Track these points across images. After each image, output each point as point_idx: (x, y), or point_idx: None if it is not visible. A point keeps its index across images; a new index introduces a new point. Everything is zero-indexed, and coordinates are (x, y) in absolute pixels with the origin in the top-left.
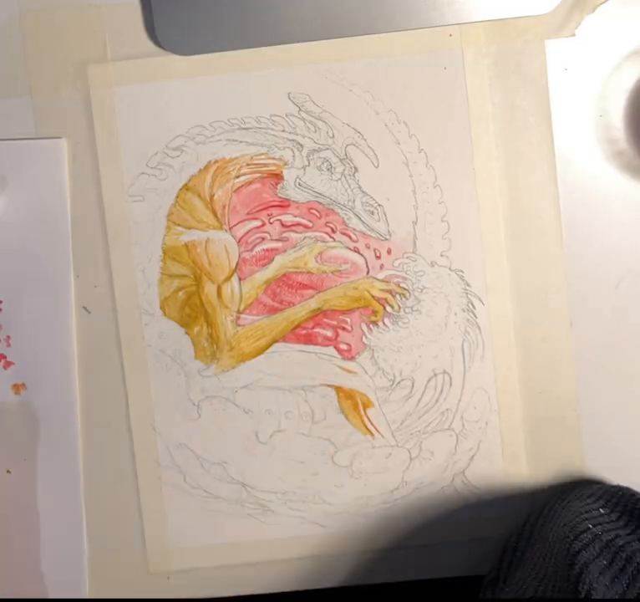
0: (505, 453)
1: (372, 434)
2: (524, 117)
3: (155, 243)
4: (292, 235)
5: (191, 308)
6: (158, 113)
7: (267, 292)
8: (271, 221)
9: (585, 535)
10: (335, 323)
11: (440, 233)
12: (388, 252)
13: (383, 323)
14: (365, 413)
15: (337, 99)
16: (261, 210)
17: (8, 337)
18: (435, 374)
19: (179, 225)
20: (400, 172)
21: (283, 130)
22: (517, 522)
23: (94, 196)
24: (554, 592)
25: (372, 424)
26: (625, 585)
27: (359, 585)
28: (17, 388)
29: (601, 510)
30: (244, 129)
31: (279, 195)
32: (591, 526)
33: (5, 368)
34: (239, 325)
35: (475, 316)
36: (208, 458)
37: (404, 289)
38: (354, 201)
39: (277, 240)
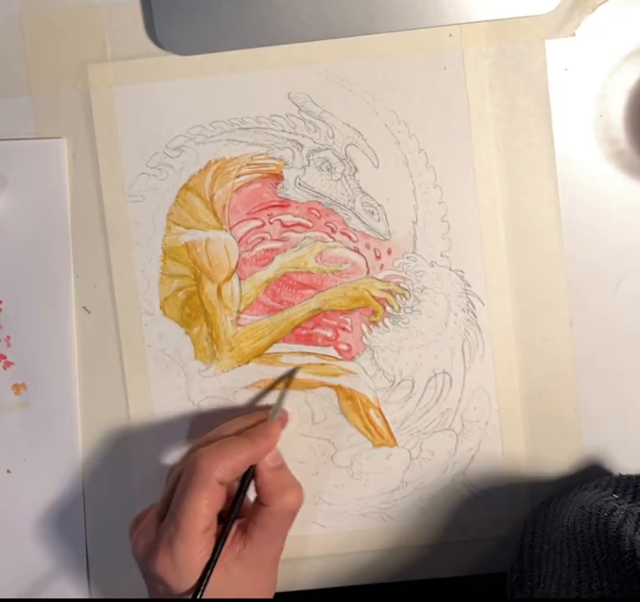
0: (505, 453)
1: (372, 434)
2: (524, 117)
3: (155, 243)
4: (292, 235)
5: (191, 308)
6: (158, 113)
7: (267, 292)
8: (271, 221)
9: (617, 513)
10: (335, 323)
11: (440, 233)
12: (388, 252)
13: (383, 323)
14: (365, 413)
15: (337, 99)
16: (261, 210)
17: (8, 337)
18: (435, 375)
19: (179, 225)
20: (400, 172)
21: (283, 130)
22: (520, 522)
23: (94, 196)
24: (600, 569)
25: (372, 424)
26: None
27: (359, 585)
28: (16, 388)
29: (614, 495)
30: (244, 129)
31: (279, 195)
32: (616, 505)
33: (5, 368)
34: (239, 325)
35: (475, 316)
36: None
37: (404, 289)
38: (354, 201)
39: (277, 240)
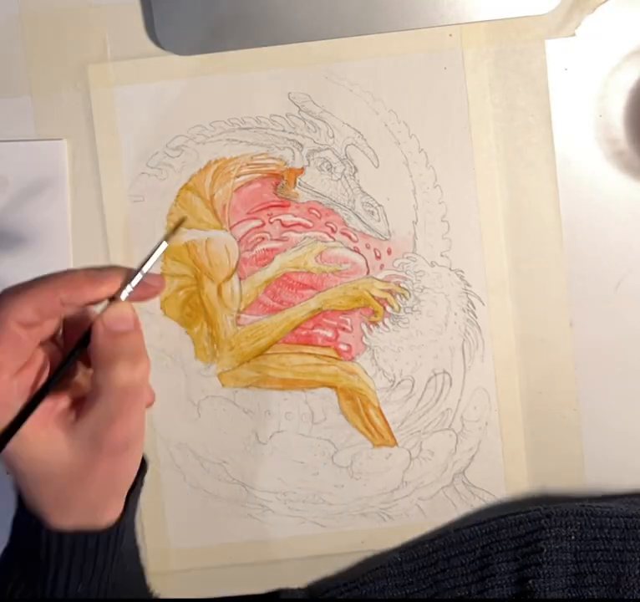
0: (505, 453)
1: (372, 434)
2: (524, 117)
3: (156, 243)
4: (292, 235)
5: (192, 308)
6: (158, 113)
7: (267, 292)
8: (271, 220)
9: None
10: (335, 323)
11: (440, 233)
12: (388, 252)
13: (384, 323)
14: (365, 413)
15: (337, 99)
16: (261, 210)
17: None
18: (435, 374)
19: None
20: (400, 172)
21: (283, 130)
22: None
23: (94, 196)
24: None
25: (372, 424)
26: None
27: None
28: None
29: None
30: (244, 129)
31: (279, 195)
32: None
33: None
34: (239, 325)
35: (475, 316)
36: (208, 458)
37: (404, 289)
38: (354, 201)
39: (277, 240)
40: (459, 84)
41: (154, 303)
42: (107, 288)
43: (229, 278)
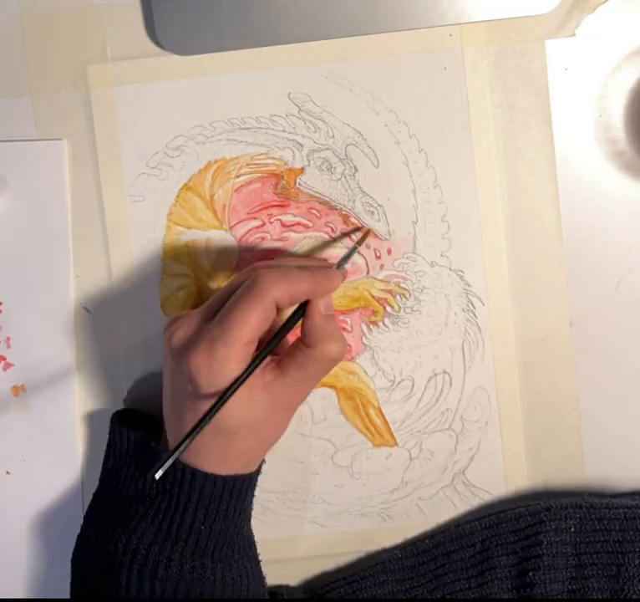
0: (505, 453)
1: (372, 434)
2: (524, 117)
3: (155, 243)
4: (292, 235)
5: (192, 308)
6: (158, 113)
7: None
8: (272, 220)
9: None
10: None
11: (440, 233)
12: (388, 251)
13: (384, 323)
14: (365, 413)
15: (337, 99)
16: (261, 210)
17: (8, 338)
18: (435, 375)
19: (179, 225)
20: (400, 172)
21: (283, 130)
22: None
23: (94, 196)
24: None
25: (372, 424)
26: None
27: None
28: (16, 389)
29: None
30: (244, 129)
31: (279, 195)
32: None
33: (5, 369)
34: None
35: (475, 316)
36: None
37: (404, 289)
38: (354, 201)
39: (277, 240)
40: (459, 84)
41: (155, 302)
42: (334, 285)
43: (229, 278)
